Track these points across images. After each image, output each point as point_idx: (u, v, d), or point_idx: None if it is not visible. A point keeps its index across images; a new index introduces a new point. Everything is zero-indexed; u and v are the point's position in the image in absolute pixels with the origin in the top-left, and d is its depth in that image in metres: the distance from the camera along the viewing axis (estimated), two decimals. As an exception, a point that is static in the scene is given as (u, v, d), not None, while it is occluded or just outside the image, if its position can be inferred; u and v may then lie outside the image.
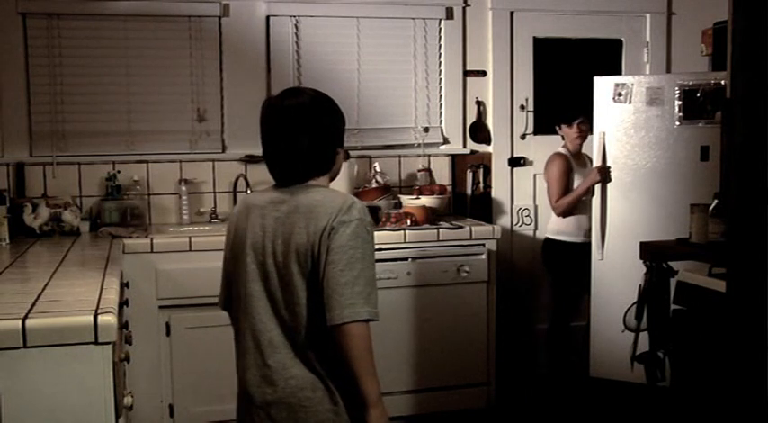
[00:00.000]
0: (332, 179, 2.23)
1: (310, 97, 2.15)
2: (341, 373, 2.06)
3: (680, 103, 4.24)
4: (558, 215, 4.42)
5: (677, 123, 4.26)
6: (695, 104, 4.23)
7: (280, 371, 2.08)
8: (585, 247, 4.40)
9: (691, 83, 4.24)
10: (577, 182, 4.41)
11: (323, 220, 2.03)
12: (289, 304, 2.06)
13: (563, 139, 4.50)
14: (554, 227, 4.52)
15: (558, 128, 4.51)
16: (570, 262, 4.44)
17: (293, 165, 2.13)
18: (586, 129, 4.42)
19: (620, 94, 4.32)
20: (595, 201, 4.38)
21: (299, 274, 2.04)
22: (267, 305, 2.10)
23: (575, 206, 4.40)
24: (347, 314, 1.97)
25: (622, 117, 4.34)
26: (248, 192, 4.30)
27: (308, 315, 2.04)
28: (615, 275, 4.22)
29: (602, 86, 4.37)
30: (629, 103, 4.31)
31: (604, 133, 4.36)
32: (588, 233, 4.41)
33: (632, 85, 4.31)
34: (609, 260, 4.32)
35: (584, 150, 4.57)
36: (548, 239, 4.56)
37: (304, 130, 2.10)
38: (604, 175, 4.33)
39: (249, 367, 2.13)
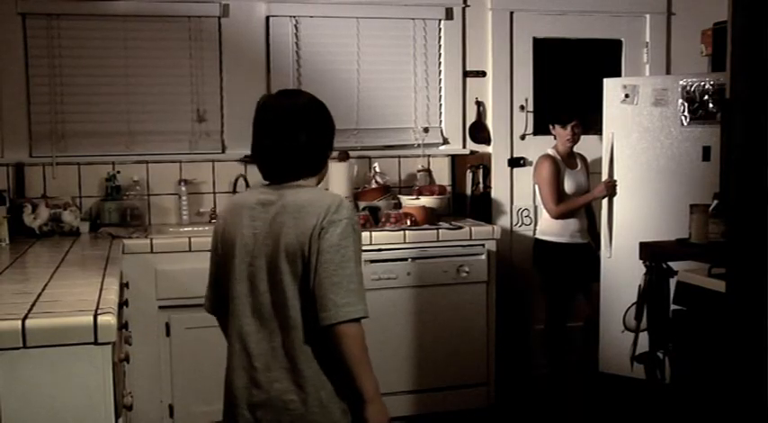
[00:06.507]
0: (319, 183, 2.25)
1: (308, 98, 2.20)
2: (328, 375, 2.07)
3: (684, 103, 4.26)
4: (554, 218, 4.43)
5: (681, 124, 4.28)
6: (699, 105, 4.24)
7: (265, 373, 2.08)
8: (572, 247, 4.43)
9: (694, 83, 4.25)
10: (567, 182, 4.43)
11: (311, 219, 2.03)
12: (277, 305, 2.07)
13: (555, 138, 4.51)
14: (541, 227, 4.57)
15: (551, 127, 4.52)
16: (556, 261, 4.45)
17: (288, 161, 2.15)
18: (579, 132, 4.44)
19: (627, 96, 4.35)
20: (603, 199, 4.44)
21: (289, 273, 2.04)
22: (254, 307, 2.10)
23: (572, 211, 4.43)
24: (343, 313, 1.98)
25: (630, 118, 4.37)
26: (248, 192, 4.30)
27: (297, 316, 2.05)
28: (624, 272, 4.22)
29: (611, 87, 4.41)
30: (636, 103, 4.34)
31: (613, 134, 4.39)
32: (576, 234, 4.44)
33: (639, 86, 4.33)
34: (617, 257, 4.36)
35: (583, 151, 4.59)
36: (536, 240, 4.60)
37: (302, 129, 2.13)
38: (611, 190, 4.37)
39: (236, 369, 2.13)
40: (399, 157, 4.73)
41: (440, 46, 4.75)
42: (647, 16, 5.01)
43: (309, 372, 2.06)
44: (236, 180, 4.42)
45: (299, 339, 2.05)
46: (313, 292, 2.01)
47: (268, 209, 2.11)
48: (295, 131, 2.12)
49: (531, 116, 4.85)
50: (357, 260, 2.05)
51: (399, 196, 4.50)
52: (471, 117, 4.81)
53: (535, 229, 4.68)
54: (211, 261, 2.28)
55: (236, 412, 2.13)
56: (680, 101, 4.28)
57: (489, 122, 4.82)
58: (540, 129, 4.79)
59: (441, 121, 4.78)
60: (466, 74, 4.79)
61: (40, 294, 2.35)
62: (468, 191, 4.79)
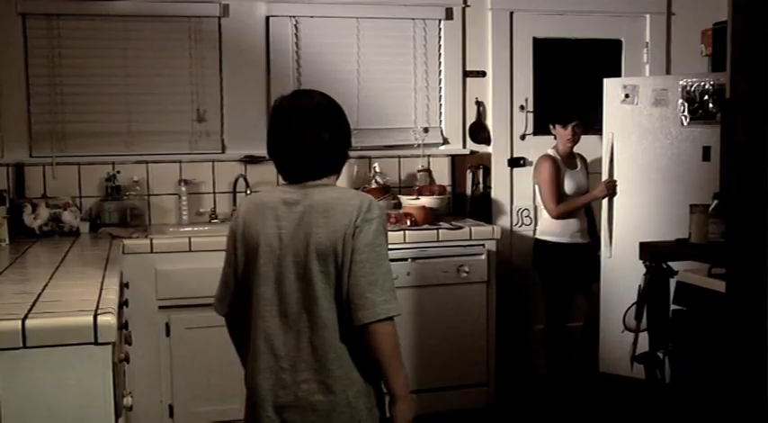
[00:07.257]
0: (337, 180, 2.25)
1: (325, 98, 2.20)
2: (357, 374, 2.07)
3: (684, 103, 4.26)
4: (554, 218, 4.42)
5: (681, 124, 4.29)
6: (699, 105, 4.25)
7: (292, 374, 2.08)
8: (572, 247, 4.43)
9: (694, 83, 4.25)
10: (567, 182, 4.42)
11: (343, 218, 2.03)
12: (305, 305, 2.06)
13: (555, 138, 4.51)
14: (541, 227, 4.56)
15: (552, 127, 4.52)
16: (556, 262, 4.44)
17: (312, 161, 2.14)
18: (579, 132, 4.44)
19: (627, 96, 4.35)
20: (603, 199, 4.44)
21: (320, 273, 2.04)
22: (281, 308, 2.09)
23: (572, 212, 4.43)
24: (381, 311, 1.99)
25: (630, 118, 4.38)
26: (248, 192, 4.30)
27: (327, 315, 2.04)
28: (624, 272, 4.21)
29: (611, 87, 4.42)
30: (636, 103, 4.35)
31: (613, 134, 4.39)
32: (576, 234, 4.44)
33: (639, 86, 4.34)
34: (617, 258, 4.36)
35: (583, 151, 4.59)
36: (536, 240, 4.59)
37: (325, 127, 2.13)
38: (611, 190, 4.38)
39: (261, 371, 2.11)
40: (399, 157, 4.73)
41: (440, 46, 4.75)
42: (647, 16, 5.01)
43: (339, 372, 2.06)
44: (236, 180, 4.42)
45: (330, 339, 2.05)
46: (348, 291, 2.01)
47: (293, 208, 2.10)
48: (318, 131, 2.12)
49: (531, 116, 4.85)
50: (388, 258, 2.07)
51: (399, 196, 4.50)
52: (471, 117, 4.81)
53: (535, 230, 4.68)
54: (226, 262, 2.25)
55: (260, 414, 2.12)
56: (680, 101, 4.28)
57: (489, 122, 4.82)
58: (540, 129, 4.79)
59: (441, 122, 4.78)
60: (466, 74, 4.79)
61: (40, 294, 2.35)
62: (469, 191, 4.79)
